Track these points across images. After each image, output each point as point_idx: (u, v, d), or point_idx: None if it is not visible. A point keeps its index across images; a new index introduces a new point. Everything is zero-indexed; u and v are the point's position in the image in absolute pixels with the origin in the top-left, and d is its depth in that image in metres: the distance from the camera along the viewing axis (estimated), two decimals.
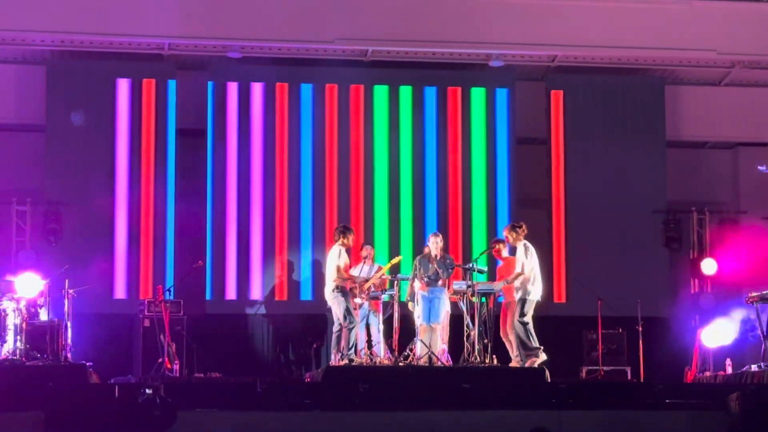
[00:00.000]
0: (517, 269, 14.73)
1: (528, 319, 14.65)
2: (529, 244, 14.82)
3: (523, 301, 14.66)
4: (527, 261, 14.71)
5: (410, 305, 15.02)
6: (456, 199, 18.43)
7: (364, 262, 15.53)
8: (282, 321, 17.98)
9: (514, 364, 14.82)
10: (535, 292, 14.74)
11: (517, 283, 14.75)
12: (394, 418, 12.55)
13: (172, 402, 12.02)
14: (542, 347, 14.56)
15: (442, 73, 18.63)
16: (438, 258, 14.93)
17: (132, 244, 17.74)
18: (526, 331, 14.62)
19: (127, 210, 17.80)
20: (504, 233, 15.20)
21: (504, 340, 15.07)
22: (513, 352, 14.91)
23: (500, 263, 15.64)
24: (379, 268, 15.46)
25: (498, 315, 15.16)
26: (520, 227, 14.98)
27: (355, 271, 15.35)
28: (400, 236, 18.18)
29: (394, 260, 15.77)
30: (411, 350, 14.68)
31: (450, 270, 14.99)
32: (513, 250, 15.05)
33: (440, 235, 15.23)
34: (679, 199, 18.82)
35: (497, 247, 15.56)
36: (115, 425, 11.94)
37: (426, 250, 15.32)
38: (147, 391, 11.90)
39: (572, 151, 18.72)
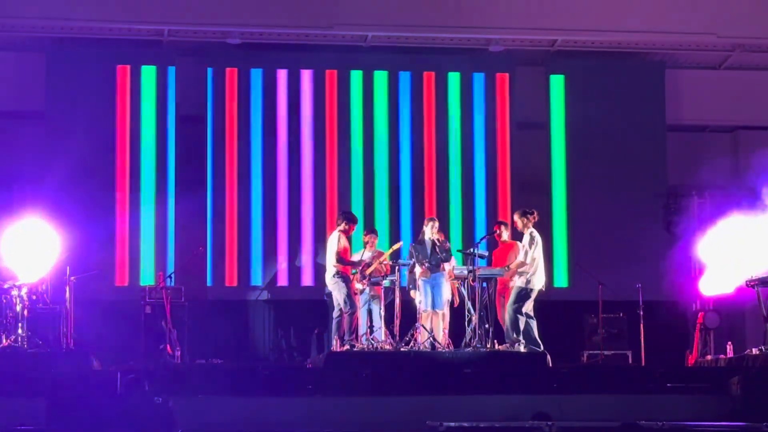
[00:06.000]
0: (520, 258, 14.65)
1: (523, 308, 14.50)
2: (536, 234, 14.67)
3: (521, 290, 14.56)
4: (530, 251, 14.55)
5: (412, 292, 14.99)
6: (456, 184, 18.41)
7: (366, 248, 15.53)
8: (283, 307, 17.99)
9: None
10: (536, 282, 14.60)
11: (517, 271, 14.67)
12: (395, 403, 12.56)
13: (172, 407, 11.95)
14: (522, 341, 14.48)
15: (442, 58, 18.60)
16: (436, 243, 14.89)
17: (133, 230, 17.74)
18: (515, 319, 14.50)
19: (128, 196, 17.80)
20: (514, 218, 15.07)
21: (502, 324, 15.01)
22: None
23: (499, 246, 15.59)
24: (380, 254, 15.44)
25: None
26: (531, 214, 14.76)
27: (356, 257, 15.35)
28: (400, 222, 18.18)
29: (395, 246, 15.74)
30: (412, 335, 14.67)
31: (449, 254, 14.96)
32: (520, 236, 14.96)
33: (436, 220, 15.23)
34: (679, 182, 18.81)
35: (498, 230, 15.50)
36: (117, 412, 11.94)
37: (421, 235, 15.23)
38: (157, 399, 11.75)
39: (573, 136, 18.71)
